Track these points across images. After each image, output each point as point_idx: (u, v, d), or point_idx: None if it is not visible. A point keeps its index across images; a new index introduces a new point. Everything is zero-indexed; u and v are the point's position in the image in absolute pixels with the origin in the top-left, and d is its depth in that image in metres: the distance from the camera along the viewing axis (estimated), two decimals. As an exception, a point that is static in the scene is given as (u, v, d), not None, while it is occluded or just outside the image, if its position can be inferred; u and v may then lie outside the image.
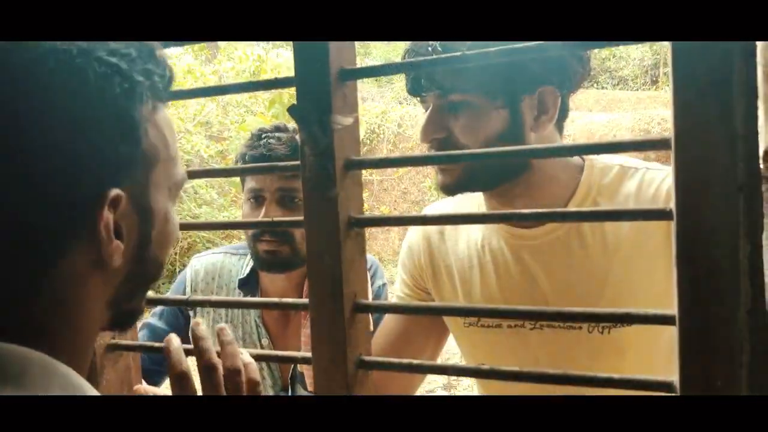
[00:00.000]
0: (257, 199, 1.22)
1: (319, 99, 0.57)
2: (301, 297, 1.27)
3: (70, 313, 0.47)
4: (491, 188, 0.91)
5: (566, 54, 0.83)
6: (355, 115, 0.60)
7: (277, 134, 1.24)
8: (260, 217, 1.18)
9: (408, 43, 0.87)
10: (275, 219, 0.70)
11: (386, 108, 8.18)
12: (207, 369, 0.63)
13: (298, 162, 0.58)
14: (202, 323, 0.66)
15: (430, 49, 0.81)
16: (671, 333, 0.47)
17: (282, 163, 0.64)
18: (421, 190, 7.70)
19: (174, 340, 0.66)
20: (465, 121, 0.85)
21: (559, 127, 0.93)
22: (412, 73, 0.87)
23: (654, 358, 0.91)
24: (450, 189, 0.89)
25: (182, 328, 1.31)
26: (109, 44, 0.45)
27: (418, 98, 0.90)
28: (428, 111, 0.88)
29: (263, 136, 1.24)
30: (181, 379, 0.63)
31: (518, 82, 0.84)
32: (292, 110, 0.57)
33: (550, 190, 0.91)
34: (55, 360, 0.45)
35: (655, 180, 0.88)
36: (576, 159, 0.93)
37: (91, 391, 0.46)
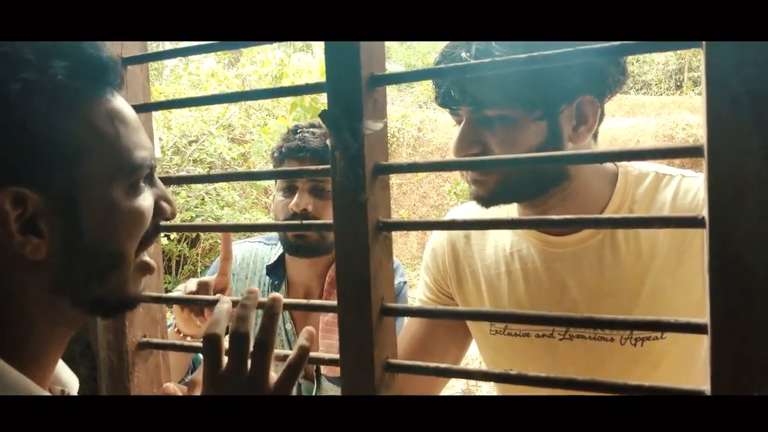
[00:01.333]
0: (290, 188, 1.30)
1: (350, 104, 0.57)
2: (324, 285, 1.35)
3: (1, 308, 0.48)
4: (527, 200, 0.88)
5: (604, 60, 0.80)
6: (384, 120, 0.60)
7: (311, 129, 1.32)
8: (292, 204, 1.27)
9: (440, 51, 0.84)
10: (304, 222, 0.72)
11: (406, 112, 8.18)
12: (237, 337, 0.59)
13: (328, 166, 0.59)
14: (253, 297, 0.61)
15: (463, 56, 0.79)
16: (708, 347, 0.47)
17: (312, 168, 0.65)
18: (440, 194, 7.68)
19: (226, 303, 0.62)
20: (502, 136, 0.81)
21: (594, 135, 0.88)
22: (443, 86, 0.83)
23: (689, 375, 0.88)
24: (485, 201, 0.86)
25: None
26: None
27: (449, 111, 0.87)
28: (462, 125, 0.84)
29: (298, 130, 1.32)
30: (211, 341, 0.59)
31: (557, 93, 0.80)
32: (324, 115, 0.57)
33: (584, 200, 0.88)
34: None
35: (691, 189, 0.85)
36: (610, 165, 0.90)
37: (32, 389, 0.48)
